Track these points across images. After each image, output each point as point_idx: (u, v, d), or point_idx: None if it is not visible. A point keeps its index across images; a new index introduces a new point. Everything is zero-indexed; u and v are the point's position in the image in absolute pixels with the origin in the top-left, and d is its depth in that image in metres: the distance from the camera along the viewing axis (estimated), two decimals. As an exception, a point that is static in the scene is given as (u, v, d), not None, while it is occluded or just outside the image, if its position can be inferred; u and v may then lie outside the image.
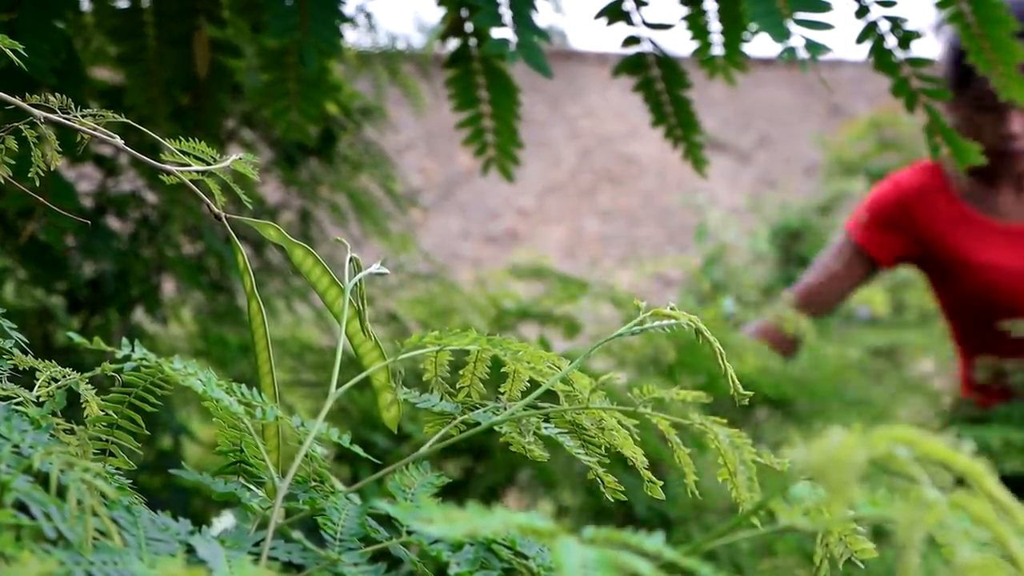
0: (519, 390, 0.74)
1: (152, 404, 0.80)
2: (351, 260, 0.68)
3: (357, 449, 0.68)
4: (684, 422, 0.69)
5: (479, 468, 2.81)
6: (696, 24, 1.74)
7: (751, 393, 0.71)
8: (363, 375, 0.71)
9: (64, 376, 0.83)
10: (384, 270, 0.70)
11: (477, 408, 0.72)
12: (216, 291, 2.70)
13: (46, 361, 0.84)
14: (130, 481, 0.77)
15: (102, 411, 0.81)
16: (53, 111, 0.85)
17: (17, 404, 0.78)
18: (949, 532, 0.41)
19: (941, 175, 3.02)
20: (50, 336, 2.55)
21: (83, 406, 0.81)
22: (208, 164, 0.85)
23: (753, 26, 1.58)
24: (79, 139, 0.85)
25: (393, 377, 0.71)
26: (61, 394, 0.81)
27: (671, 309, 0.73)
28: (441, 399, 0.73)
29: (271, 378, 0.84)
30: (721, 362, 0.71)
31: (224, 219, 0.85)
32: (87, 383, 0.82)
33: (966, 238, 2.96)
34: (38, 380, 0.82)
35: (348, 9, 1.42)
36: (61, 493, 0.58)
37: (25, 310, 2.52)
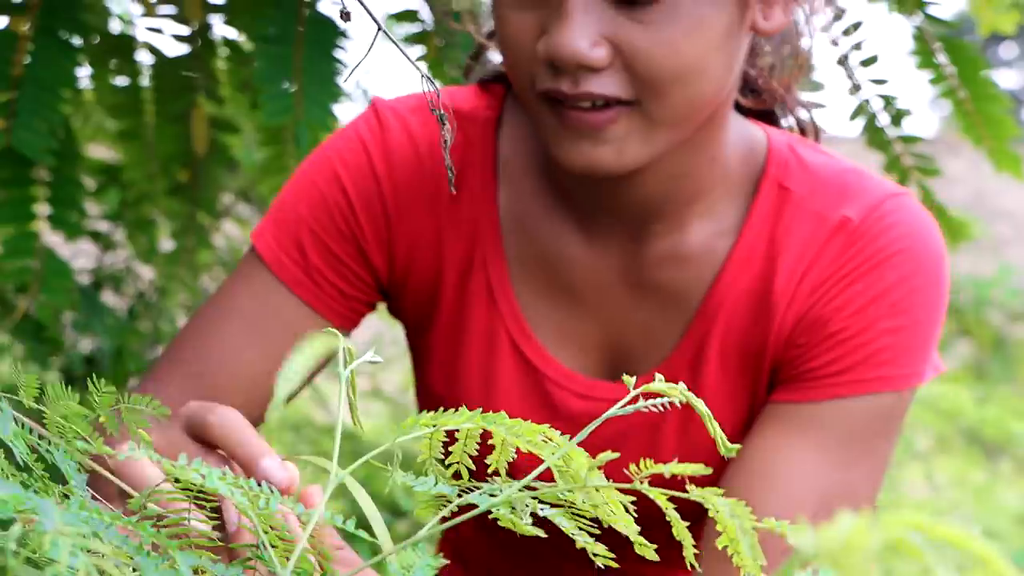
0: (507, 459, 0.74)
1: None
2: (344, 349, 0.69)
3: (362, 534, 0.68)
4: (681, 495, 0.69)
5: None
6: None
7: (738, 446, 0.71)
8: (364, 459, 0.70)
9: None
10: (377, 358, 0.71)
11: (472, 490, 0.72)
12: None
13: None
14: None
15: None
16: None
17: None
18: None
19: (495, 124, 1.17)
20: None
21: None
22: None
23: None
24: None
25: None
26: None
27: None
28: (437, 483, 0.73)
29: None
30: (711, 425, 0.71)
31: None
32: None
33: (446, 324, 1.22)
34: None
35: (345, 84, 1.44)
36: None
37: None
